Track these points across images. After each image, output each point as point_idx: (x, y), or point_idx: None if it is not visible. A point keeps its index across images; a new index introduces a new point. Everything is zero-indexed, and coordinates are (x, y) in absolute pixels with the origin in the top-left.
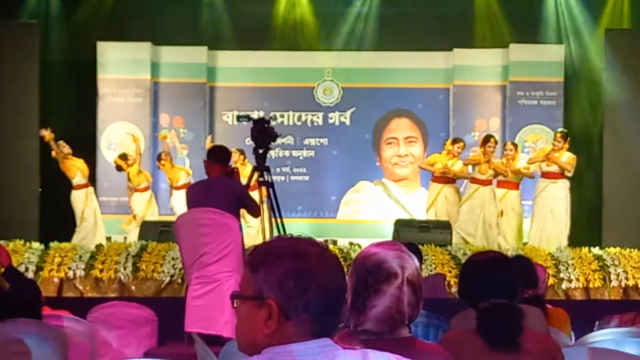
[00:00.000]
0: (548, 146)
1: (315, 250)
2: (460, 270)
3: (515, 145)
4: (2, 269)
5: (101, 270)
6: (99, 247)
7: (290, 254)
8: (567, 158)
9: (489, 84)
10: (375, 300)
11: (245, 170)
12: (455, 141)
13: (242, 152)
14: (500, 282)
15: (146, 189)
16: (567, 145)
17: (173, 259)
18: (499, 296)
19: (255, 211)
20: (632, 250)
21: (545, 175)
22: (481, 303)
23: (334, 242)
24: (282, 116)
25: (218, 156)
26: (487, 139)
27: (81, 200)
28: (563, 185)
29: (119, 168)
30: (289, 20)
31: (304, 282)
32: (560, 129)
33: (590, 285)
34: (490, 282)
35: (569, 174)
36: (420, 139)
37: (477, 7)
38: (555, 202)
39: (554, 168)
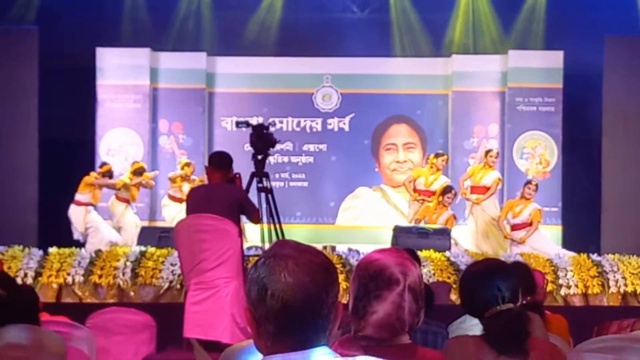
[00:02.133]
0: (542, 149)
1: (284, 257)
2: (460, 281)
3: (497, 155)
4: None
5: (100, 276)
6: (97, 253)
7: (261, 262)
8: (532, 211)
9: (488, 90)
10: (376, 306)
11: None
12: (437, 155)
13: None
14: (503, 288)
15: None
16: (534, 194)
17: (172, 264)
18: (504, 302)
19: (255, 218)
20: (631, 256)
21: (515, 227)
22: (487, 312)
23: (333, 248)
24: (281, 122)
25: (219, 162)
26: (447, 189)
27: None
28: (538, 232)
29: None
30: (288, 26)
31: (261, 292)
32: (533, 181)
33: (589, 291)
34: (493, 290)
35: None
36: (419, 144)
37: (476, 13)
38: (537, 243)
39: (520, 219)
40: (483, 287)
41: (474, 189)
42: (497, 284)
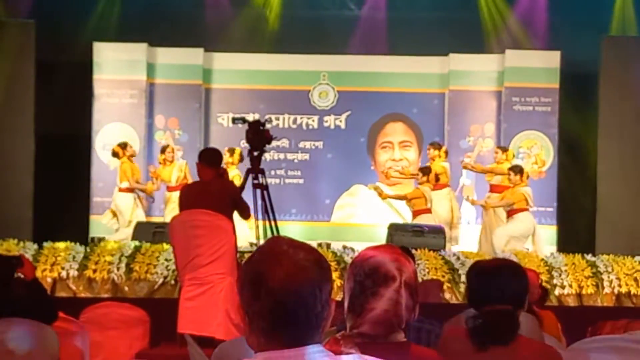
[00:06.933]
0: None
1: (279, 254)
2: (468, 274)
3: (504, 149)
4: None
5: (94, 271)
6: (92, 247)
7: (255, 258)
8: (521, 195)
9: (484, 89)
10: (374, 303)
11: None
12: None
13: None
14: (508, 289)
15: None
16: (523, 179)
17: (166, 260)
18: (506, 302)
19: (246, 214)
20: (626, 257)
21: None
22: (487, 307)
23: (328, 246)
24: (278, 119)
25: (210, 159)
26: (424, 170)
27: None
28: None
29: (115, 154)
30: (285, 23)
31: (255, 288)
32: (513, 165)
33: (583, 291)
34: (498, 288)
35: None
36: (415, 143)
37: (473, 11)
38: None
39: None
40: (488, 284)
41: (494, 188)
42: (502, 283)
